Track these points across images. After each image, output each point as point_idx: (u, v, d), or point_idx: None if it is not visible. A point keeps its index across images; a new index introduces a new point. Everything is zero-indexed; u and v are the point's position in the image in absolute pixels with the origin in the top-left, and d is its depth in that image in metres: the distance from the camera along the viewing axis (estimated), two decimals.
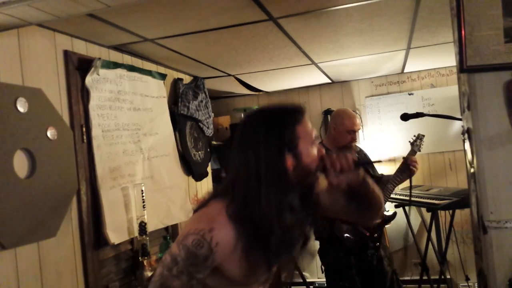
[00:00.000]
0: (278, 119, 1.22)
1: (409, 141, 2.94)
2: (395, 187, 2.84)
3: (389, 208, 3.04)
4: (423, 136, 2.95)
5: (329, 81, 4.38)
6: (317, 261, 4.50)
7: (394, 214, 2.98)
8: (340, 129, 2.80)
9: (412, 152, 2.87)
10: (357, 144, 2.97)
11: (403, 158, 2.84)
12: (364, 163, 1.28)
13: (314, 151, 1.22)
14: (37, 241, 1.93)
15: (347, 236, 2.70)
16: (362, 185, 1.28)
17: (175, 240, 1.21)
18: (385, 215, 2.85)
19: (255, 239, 1.16)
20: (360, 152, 2.99)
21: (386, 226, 2.92)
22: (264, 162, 1.16)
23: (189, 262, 1.15)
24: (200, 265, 1.15)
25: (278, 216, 1.15)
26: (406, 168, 2.78)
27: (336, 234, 2.68)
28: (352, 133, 2.80)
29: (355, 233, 2.71)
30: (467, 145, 1.61)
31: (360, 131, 3.00)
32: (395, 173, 2.83)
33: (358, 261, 2.72)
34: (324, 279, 4.15)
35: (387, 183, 2.81)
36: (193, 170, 3.34)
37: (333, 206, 1.40)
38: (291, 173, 1.17)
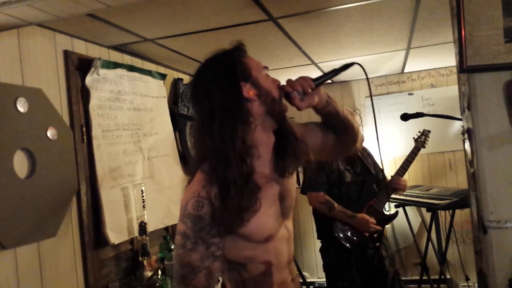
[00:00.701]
0: (224, 60, 1.22)
1: (413, 138, 2.91)
2: (389, 194, 2.86)
3: (389, 207, 3.04)
4: (429, 131, 2.92)
5: (329, 81, 4.37)
6: (317, 261, 4.50)
7: (395, 213, 2.97)
8: None
9: (415, 151, 2.84)
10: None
11: (390, 178, 2.87)
12: (322, 77, 1.29)
13: (268, 78, 1.24)
14: (37, 241, 1.93)
15: (346, 236, 2.70)
16: (328, 104, 1.28)
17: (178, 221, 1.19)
18: (386, 215, 2.84)
19: (225, 179, 1.13)
20: (365, 150, 2.98)
21: (386, 226, 2.91)
22: (218, 100, 1.15)
23: (198, 228, 1.13)
24: (209, 226, 1.13)
25: (232, 147, 1.13)
26: (390, 188, 2.80)
27: (335, 234, 2.69)
28: None
29: (354, 233, 2.71)
30: (467, 145, 1.60)
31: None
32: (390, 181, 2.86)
33: (358, 261, 2.72)
34: (324, 279, 4.17)
35: (385, 187, 2.82)
36: None
37: (316, 144, 1.38)
38: (255, 102, 1.18)
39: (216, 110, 1.16)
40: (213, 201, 1.13)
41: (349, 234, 2.71)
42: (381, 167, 2.99)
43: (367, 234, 2.72)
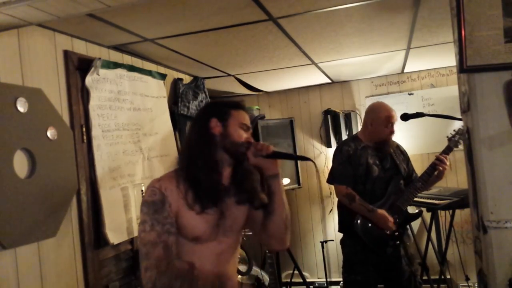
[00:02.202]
0: (219, 105, 1.58)
1: (447, 136, 2.80)
2: (420, 188, 2.74)
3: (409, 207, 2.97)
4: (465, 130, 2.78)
5: (329, 81, 4.38)
6: (317, 261, 4.50)
7: (420, 212, 2.91)
8: (378, 123, 2.75)
9: (446, 150, 2.73)
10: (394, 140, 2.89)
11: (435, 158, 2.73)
12: (282, 155, 1.54)
13: (240, 130, 1.50)
14: (37, 241, 1.93)
15: (365, 231, 2.66)
16: (274, 179, 1.50)
17: None
18: (409, 213, 2.81)
19: (190, 181, 1.45)
20: (398, 148, 2.92)
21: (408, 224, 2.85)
22: (197, 128, 1.54)
23: (152, 211, 1.40)
24: (162, 209, 1.40)
25: (202, 164, 1.46)
26: (432, 168, 2.69)
27: (355, 229, 2.66)
28: (390, 126, 2.75)
29: (375, 230, 2.67)
30: (467, 145, 1.61)
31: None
32: (421, 175, 2.75)
33: (376, 258, 2.69)
34: (324, 279, 4.17)
35: (415, 181, 2.74)
36: None
37: (252, 213, 1.58)
38: (217, 136, 1.48)
39: (192, 132, 1.56)
40: (164, 192, 1.42)
41: (370, 231, 2.66)
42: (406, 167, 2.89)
43: (388, 232, 2.68)
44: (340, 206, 2.86)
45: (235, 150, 1.48)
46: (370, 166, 2.73)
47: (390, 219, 2.65)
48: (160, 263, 1.38)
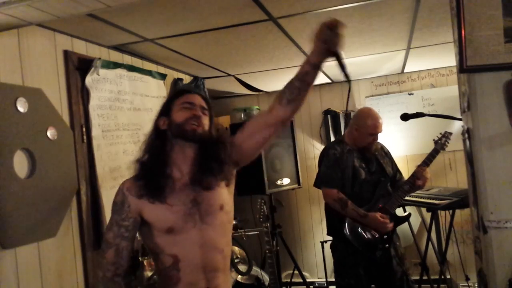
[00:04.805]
0: (165, 103, 1.63)
1: (433, 139, 2.84)
2: (408, 191, 2.76)
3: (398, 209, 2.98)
4: (450, 134, 2.82)
5: (329, 81, 4.38)
6: (317, 261, 4.50)
7: (408, 215, 2.92)
8: (363, 131, 2.74)
9: (433, 153, 2.77)
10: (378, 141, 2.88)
11: (416, 168, 2.76)
12: (341, 63, 1.56)
13: (181, 111, 1.52)
14: (37, 241, 1.93)
15: (355, 235, 2.67)
16: (318, 66, 1.50)
17: None
18: (398, 216, 2.81)
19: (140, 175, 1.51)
20: (382, 149, 2.93)
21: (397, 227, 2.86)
22: (150, 132, 1.59)
23: (114, 211, 1.49)
24: (121, 210, 1.47)
25: (148, 155, 1.54)
26: (414, 179, 2.71)
27: (344, 232, 2.66)
28: (374, 135, 2.75)
29: (365, 234, 2.68)
30: (467, 145, 1.61)
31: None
32: (407, 179, 2.77)
33: (366, 260, 2.70)
34: (324, 279, 4.17)
35: (403, 184, 2.76)
36: None
37: (253, 129, 1.57)
38: (167, 131, 1.53)
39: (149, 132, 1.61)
40: (125, 192, 1.48)
41: (359, 235, 2.67)
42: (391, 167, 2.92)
43: (377, 235, 2.68)
44: (328, 210, 2.84)
45: (182, 130, 1.49)
46: (356, 169, 2.74)
47: (386, 220, 2.66)
48: (109, 266, 1.45)
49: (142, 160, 1.54)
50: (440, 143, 2.81)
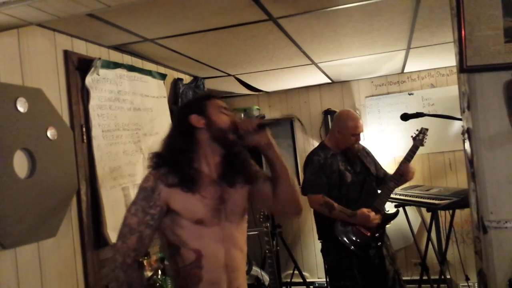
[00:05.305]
0: (192, 102, 1.73)
1: (411, 136, 2.89)
2: (393, 187, 2.82)
3: (389, 207, 3.01)
4: (427, 129, 2.87)
5: (329, 81, 4.38)
6: (317, 261, 4.50)
7: (396, 212, 2.96)
8: (344, 132, 2.78)
9: (413, 149, 2.83)
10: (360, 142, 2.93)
11: (399, 165, 2.82)
12: (267, 123, 1.58)
13: (222, 115, 1.54)
14: (37, 241, 1.93)
15: (347, 237, 2.69)
16: (269, 147, 1.53)
17: None
18: (387, 214, 2.83)
19: (172, 166, 1.50)
20: (364, 150, 2.96)
21: (387, 225, 2.89)
22: (179, 128, 1.58)
23: (141, 197, 1.45)
24: (150, 197, 1.44)
25: (174, 150, 1.52)
26: (399, 175, 2.77)
27: (337, 235, 2.68)
28: (356, 135, 2.79)
29: (356, 234, 2.70)
30: (467, 145, 1.61)
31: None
32: (392, 175, 2.82)
33: (360, 261, 2.71)
34: (324, 279, 4.17)
35: (388, 181, 2.80)
36: None
37: (258, 188, 1.62)
38: (203, 129, 1.52)
39: (174, 127, 1.63)
40: (156, 179, 1.46)
41: (350, 235, 2.69)
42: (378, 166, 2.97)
43: (368, 234, 2.70)
44: (317, 215, 2.85)
45: (224, 137, 1.51)
46: (342, 173, 2.77)
47: (372, 214, 2.67)
48: (130, 252, 1.42)
49: (172, 152, 1.53)
50: (419, 139, 2.86)
